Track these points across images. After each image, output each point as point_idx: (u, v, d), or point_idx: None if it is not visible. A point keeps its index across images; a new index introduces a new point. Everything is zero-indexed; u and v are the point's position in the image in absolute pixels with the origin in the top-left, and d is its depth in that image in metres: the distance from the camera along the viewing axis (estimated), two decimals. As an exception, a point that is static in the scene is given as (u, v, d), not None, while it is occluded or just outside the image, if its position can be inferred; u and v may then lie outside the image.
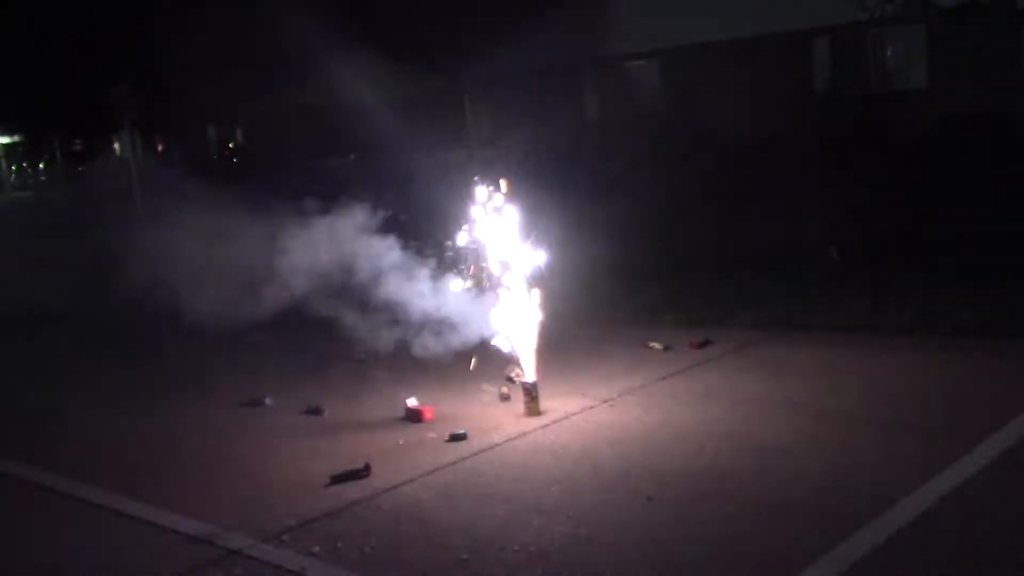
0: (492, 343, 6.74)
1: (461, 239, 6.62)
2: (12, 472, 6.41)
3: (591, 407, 6.73)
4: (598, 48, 16.78)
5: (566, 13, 16.79)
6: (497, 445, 6.07)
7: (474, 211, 6.60)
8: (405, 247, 6.88)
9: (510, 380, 7.00)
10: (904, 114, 13.30)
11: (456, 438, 6.19)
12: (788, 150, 12.74)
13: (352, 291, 7.02)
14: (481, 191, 6.61)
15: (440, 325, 6.79)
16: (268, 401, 7.45)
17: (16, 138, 30.93)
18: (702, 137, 13.83)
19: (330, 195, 7.46)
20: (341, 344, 7.61)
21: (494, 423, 6.48)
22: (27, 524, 5.55)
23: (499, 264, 6.63)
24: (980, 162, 11.49)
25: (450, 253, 6.66)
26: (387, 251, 6.83)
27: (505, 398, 6.91)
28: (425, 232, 6.93)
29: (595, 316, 9.69)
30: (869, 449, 5.53)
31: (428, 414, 6.65)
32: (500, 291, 6.62)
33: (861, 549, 4.32)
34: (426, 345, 6.89)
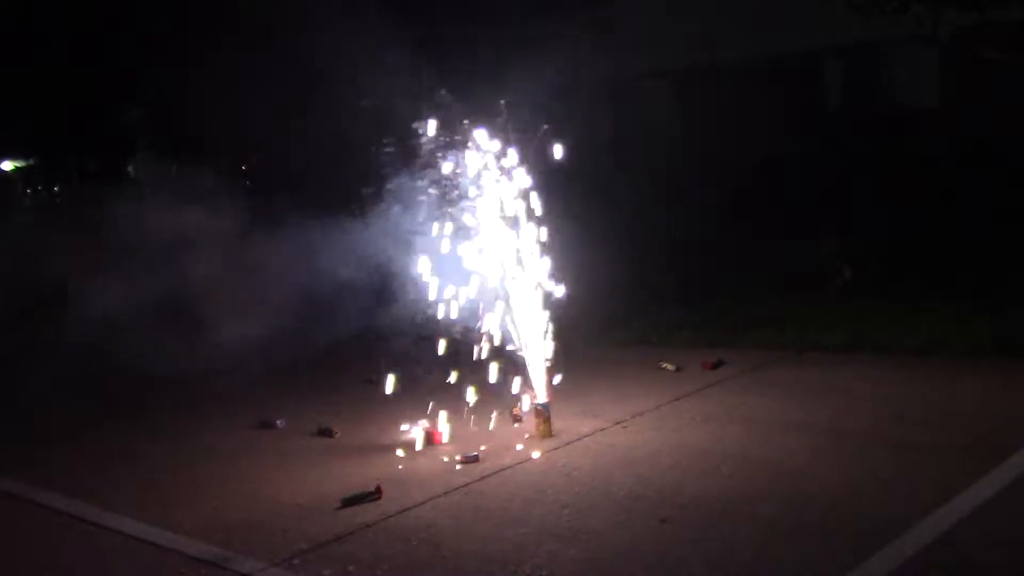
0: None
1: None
2: (17, 492, 6.40)
3: (603, 428, 6.70)
4: (611, 68, 16.82)
5: (578, 33, 16.86)
6: (509, 467, 6.04)
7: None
8: None
9: (522, 401, 6.97)
10: (916, 134, 13.27)
11: (468, 460, 6.17)
12: (800, 169, 12.73)
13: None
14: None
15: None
16: (280, 423, 7.44)
17: (30, 161, 31.17)
18: (714, 156, 13.82)
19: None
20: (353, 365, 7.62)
21: (506, 445, 6.45)
22: (33, 546, 5.53)
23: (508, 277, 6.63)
24: (993, 182, 11.44)
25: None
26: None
27: (517, 419, 6.89)
28: None
29: (607, 336, 9.68)
30: (885, 470, 5.48)
31: (439, 436, 6.62)
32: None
33: (878, 572, 4.26)
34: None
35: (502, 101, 6.53)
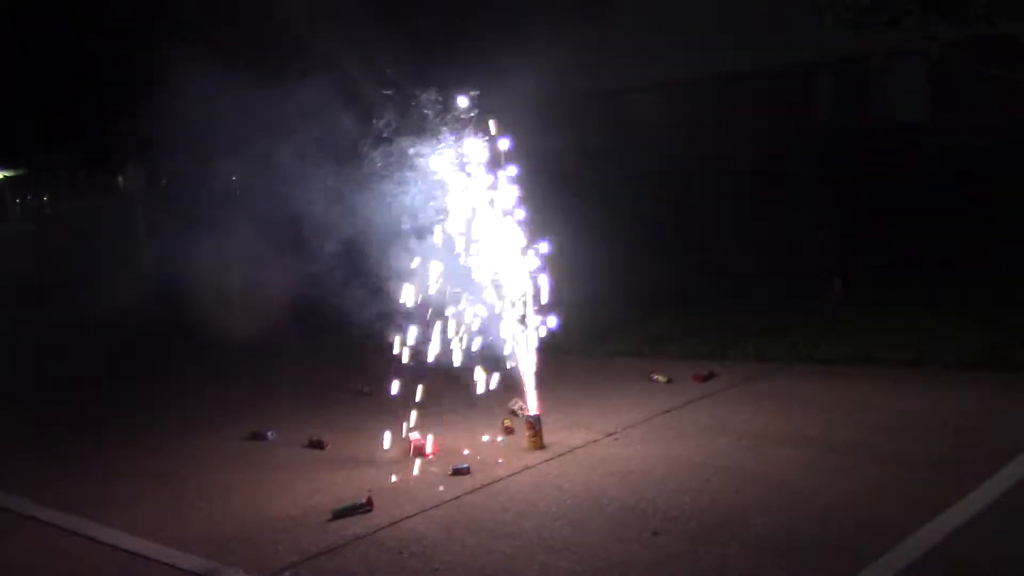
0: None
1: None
2: (7, 505, 6.34)
3: (595, 440, 6.69)
4: (604, 79, 16.88)
5: (565, 44, 16.91)
6: (500, 479, 6.02)
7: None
8: None
9: (513, 413, 6.97)
10: (906, 146, 13.34)
11: (459, 472, 6.15)
12: (791, 182, 12.78)
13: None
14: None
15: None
16: (271, 435, 7.40)
17: (20, 171, 31.08)
18: (707, 168, 13.87)
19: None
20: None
21: (497, 457, 6.43)
22: (21, 559, 5.49)
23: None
24: (982, 195, 11.51)
25: None
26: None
27: (508, 431, 6.87)
28: None
29: (598, 347, 9.67)
30: (877, 483, 5.48)
31: (431, 448, 6.60)
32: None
33: (870, 585, 4.27)
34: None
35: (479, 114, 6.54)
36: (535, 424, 6.59)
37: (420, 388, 6.75)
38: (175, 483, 6.52)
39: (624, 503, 5.44)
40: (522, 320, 6.67)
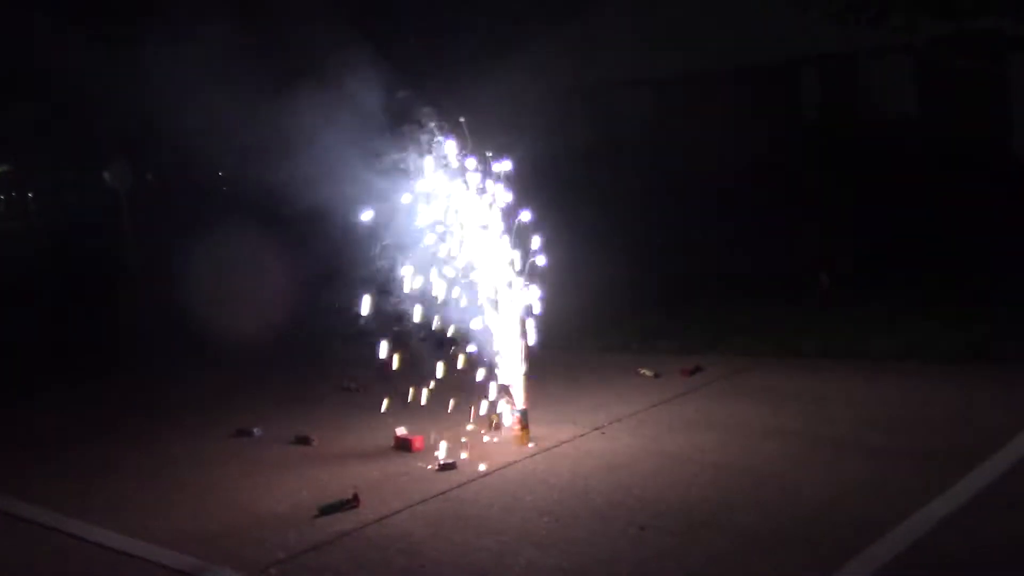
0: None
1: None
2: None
3: (582, 435, 6.68)
4: (589, 75, 16.88)
5: (553, 38, 16.89)
6: (487, 474, 6.01)
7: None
8: None
9: (500, 410, 6.95)
10: (893, 140, 13.38)
11: (446, 467, 6.14)
12: (778, 178, 12.80)
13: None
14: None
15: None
16: (257, 431, 7.38)
17: (4, 167, 30.87)
18: (694, 164, 13.87)
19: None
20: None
21: (484, 452, 6.42)
22: (6, 558, 5.45)
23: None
24: (968, 189, 11.56)
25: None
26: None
27: (495, 426, 6.86)
28: None
29: (586, 342, 9.68)
30: (863, 476, 5.50)
31: (417, 443, 6.59)
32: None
33: (856, 578, 4.27)
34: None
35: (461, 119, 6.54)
36: (522, 418, 6.58)
37: (406, 384, 6.76)
38: (161, 481, 6.49)
39: (611, 498, 5.44)
40: (509, 315, 6.67)
